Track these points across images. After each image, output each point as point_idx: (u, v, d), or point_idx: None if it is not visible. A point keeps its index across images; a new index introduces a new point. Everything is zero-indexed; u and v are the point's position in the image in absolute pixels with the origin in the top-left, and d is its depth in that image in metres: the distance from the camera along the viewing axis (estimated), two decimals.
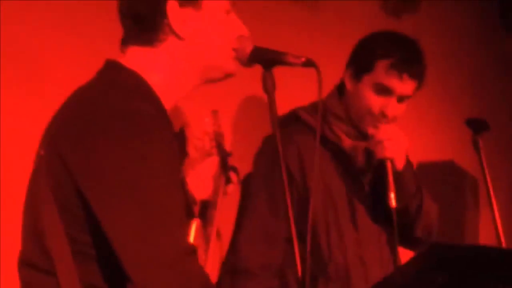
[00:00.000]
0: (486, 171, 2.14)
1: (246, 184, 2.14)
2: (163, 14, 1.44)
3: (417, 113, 3.31)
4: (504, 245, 2.10)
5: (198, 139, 1.76)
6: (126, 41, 1.49)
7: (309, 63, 1.55)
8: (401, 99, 2.11)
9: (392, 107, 2.09)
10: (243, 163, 2.06)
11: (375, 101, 2.09)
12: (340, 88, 2.19)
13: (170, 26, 1.45)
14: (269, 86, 1.55)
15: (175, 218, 1.33)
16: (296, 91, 2.20)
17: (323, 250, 2.07)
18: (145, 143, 1.30)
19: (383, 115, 2.09)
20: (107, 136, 1.30)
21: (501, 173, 3.66)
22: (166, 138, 1.36)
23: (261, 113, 2.52)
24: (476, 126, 2.16)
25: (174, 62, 1.46)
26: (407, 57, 2.09)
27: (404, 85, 2.09)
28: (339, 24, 2.97)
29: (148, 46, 1.46)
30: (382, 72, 2.08)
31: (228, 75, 1.53)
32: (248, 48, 1.55)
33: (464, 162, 3.35)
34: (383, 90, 2.09)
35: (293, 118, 2.16)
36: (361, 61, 2.13)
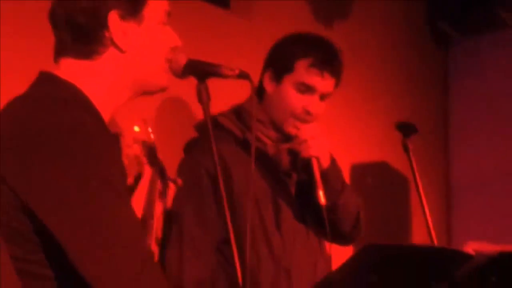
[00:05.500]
0: (416, 172, 2.21)
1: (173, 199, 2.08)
2: (104, 26, 1.42)
3: (350, 116, 3.39)
4: (435, 242, 2.16)
5: (129, 147, 1.76)
6: (60, 53, 1.46)
7: (242, 75, 1.58)
8: (322, 97, 2.14)
9: (315, 104, 2.12)
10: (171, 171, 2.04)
11: (297, 100, 2.12)
12: (259, 92, 2.19)
13: (111, 39, 1.43)
14: (203, 98, 1.58)
15: (132, 228, 1.32)
16: (231, 101, 2.22)
17: (251, 259, 1.97)
18: (91, 154, 1.29)
19: (307, 113, 2.12)
20: (50, 151, 1.28)
21: (430, 172, 3.77)
22: (110, 147, 1.35)
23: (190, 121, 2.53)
24: (405, 129, 2.22)
25: (112, 75, 1.45)
26: (326, 55, 2.13)
27: (325, 82, 2.12)
28: (272, 31, 3.01)
29: (85, 59, 1.44)
30: (303, 71, 2.11)
31: (161, 89, 1.54)
32: (182, 61, 1.57)
33: (396, 163, 3.44)
34: (305, 89, 2.11)
35: (213, 125, 2.11)
36: (280, 62, 2.15)
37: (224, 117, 2.17)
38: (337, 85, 2.18)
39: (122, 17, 1.43)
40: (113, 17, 1.43)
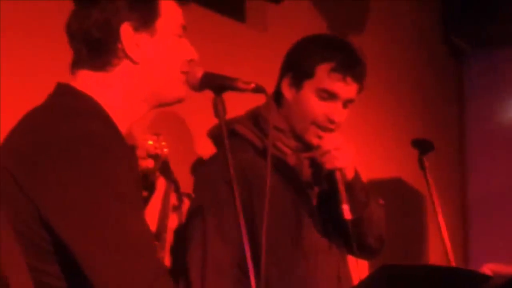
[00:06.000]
0: (433, 189, 2.18)
1: (191, 212, 1.97)
2: (117, 38, 1.43)
3: (365, 132, 3.37)
4: (452, 261, 2.13)
5: (143, 160, 1.75)
6: (76, 64, 1.47)
7: (258, 89, 1.57)
8: (345, 103, 2.02)
9: (338, 112, 2.01)
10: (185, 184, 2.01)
11: (319, 108, 2.00)
12: (276, 98, 2.06)
13: (124, 51, 1.44)
14: (220, 112, 1.55)
15: (145, 240, 1.32)
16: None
17: (273, 275, 1.92)
18: (107, 165, 1.30)
19: (330, 121, 2.00)
20: (67, 161, 1.28)
21: (447, 189, 3.74)
22: (126, 158, 1.35)
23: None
24: (422, 146, 2.19)
25: (127, 87, 1.45)
26: (348, 59, 2.00)
27: (348, 88, 2.00)
28: (288, 43, 3.01)
29: (100, 71, 1.44)
30: (324, 77, 1.99)
31: (178, 100, 1.53)
32: (199, 74, 1.56)
33: (412, 179, 3.41)
34: (328, 96, 1.99)
35: (229, 133, 1.93)
36: (299, 67, 2.02)
37: (240, 124, 2.06)
38: (360, 90, 2.04)
39: (135, 29, 1.44)
40: (126, 29, 1.43)
